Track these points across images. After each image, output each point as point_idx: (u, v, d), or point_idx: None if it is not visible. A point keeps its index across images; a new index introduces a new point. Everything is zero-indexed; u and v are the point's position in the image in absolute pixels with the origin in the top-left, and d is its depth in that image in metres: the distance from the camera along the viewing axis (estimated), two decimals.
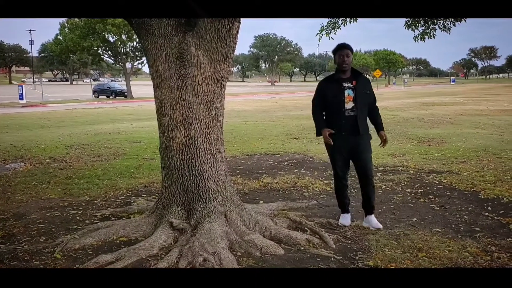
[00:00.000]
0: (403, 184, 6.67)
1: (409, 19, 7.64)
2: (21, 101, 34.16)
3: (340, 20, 7.92)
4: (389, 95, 42.56)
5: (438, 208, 5.49)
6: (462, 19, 7.36)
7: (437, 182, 6.76)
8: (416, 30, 7.69)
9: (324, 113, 4.79)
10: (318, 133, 4.74)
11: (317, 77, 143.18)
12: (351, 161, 4.86)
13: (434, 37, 7.64)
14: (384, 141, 4.82)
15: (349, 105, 4.58)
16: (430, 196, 6.01)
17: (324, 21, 8.54)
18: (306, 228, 4.66)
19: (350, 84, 4.61)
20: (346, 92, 4.59)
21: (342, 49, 4.61)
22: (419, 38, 7.78)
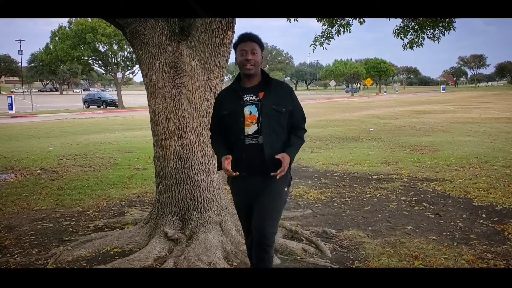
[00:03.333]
0: (397, 192, 6.68)
1: (398, 27, 7.70)
2: (10, 112, 33.85)
3: (333, 30, 7.95)
4: (380, 104, 42.83)
5: (433, 216, 5.49)
6: (452, 28, 7.43)
7: (431, 190, 6.77)
8: (405, 38, 7.75)
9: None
10: (219, 167, 3.11)
11: (308, 86, 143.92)
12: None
13: (422, 46, 7.70)
14: (281, 170, 2.91)
15: (250, 128, 2.98)
16: (424, 203, 6.02)
17: (318, 30, 8.58)
18: (302, 237, 4.63)
19: (254, 97, 3.00)
20: (246, 109, 2.99)
21: (245, 41, 3.01)
22: (407, 46, 7.84)
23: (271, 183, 3.02)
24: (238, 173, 2.96)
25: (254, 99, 3.00)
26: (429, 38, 7.58)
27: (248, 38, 3.02)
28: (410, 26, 7.60)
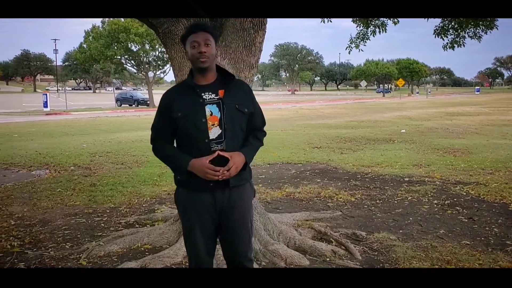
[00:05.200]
0: (429, 195, 6.54)
1: (437, 27, 7.52)
2: (45, 109, 34.82)
3: (369, 31, 7.83)
4: (412, 105, 42.10)
5: (466, 220, 5.36)
6: (494, 27, 7.22)
7: (465, 194, 6.61)
8: (445, 39, 7.56)
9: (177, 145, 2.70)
10: (182, 172, 2.58)
11: (338, 86, 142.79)
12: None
13: (464, 46, 7.50)
14: (223, 169, 2.46)
15: (213, 132, 2.53)
16: (457, 207, 5.88)
17: (348, 31, 8.50)
18: (331, 239, 4.59)
19: (213, 96, 2.56)
20: (207, 109, 2.54)
21: (196, 31, 2.56)
22: (448, 46, 7.65)
23: (234, 198, 2.58)
24: (227, 171, 2.46)
25: (214, 98, 2.54)
26: (470, 37, 7.38)
27: (201, 28, 2.56)
28: (450, 26, 7.42)
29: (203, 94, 2.55)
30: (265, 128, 2.81)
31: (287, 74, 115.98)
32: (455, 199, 6.28)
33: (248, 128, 2.66)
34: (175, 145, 2.68)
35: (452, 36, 7.49)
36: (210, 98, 2.55)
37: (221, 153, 2.48)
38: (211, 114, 2.53)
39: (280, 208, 6.00)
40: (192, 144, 2.54)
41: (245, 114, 2.62)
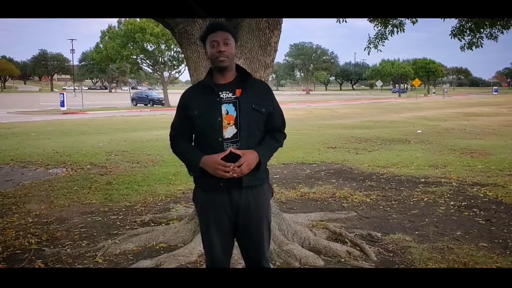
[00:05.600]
0: (446, 196, 6.46)
1: (454, 28, 7.43)
2: (62, 108, 35.24)
3: (387, 31, 7.75)
4: (428, 105, 41.68)
5: (484, 222, 5.28)
6: (510, 27, 7.11)
7: (482, 195, 6.52)
8: (462, 40, 7.46)
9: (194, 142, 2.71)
10: (194, 169, 2.59)
11: (353, 86, 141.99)
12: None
13: (481, 46, 7.39)
14: (234, 165, 2.43)
15: (228, 131, 2.52)
16: (474, 209, 5.80)
17: (363, 30, 8.42)
18: (346, 239, 4.57)
19: (230, 95, 2.55)
20: (223, 108, 2.53)
21: (215, 30, 2.55)
22: (465, 47, 7.55)
23: (249, 199, 2.56)
24: (237, 167, 2.42)
25: (231, 97, 2.54)
26: (487, 37, 7.28)
27: (220, 27, 2.56)
28: (467, 26, 7.32)
29: (220, 93, 2.53)
30: None
31: (302, 74, 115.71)
32: (472, 201, 6.20)
33: (266, 128, 2.64)
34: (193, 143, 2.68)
35: (469, 37, 7.39)
36: (227, 97, 2.53)
37: (233, 150, 2.45)
38: (227, 113, 2.52)
39: (295, 208, 5.98)
40: (207, 142, 2.54)
41: (262, 114, 2.59)
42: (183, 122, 2.64)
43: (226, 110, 2.52)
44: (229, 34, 2.55)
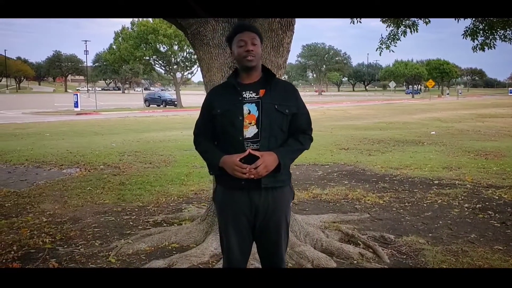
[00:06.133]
0: (460, 198, 6.39)
1: (467, 28, 7.36)
2: (76, 109, 35.56)
3: (400, 31, 7.70)
4: (442, 106, 41.30)
5: (499, 225, 5.21)
6: None
7: (497, 197, 6.43)
8: (475, 40, 7.38)
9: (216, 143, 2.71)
10: (214, 168, 2.61)
11: (366, 87, 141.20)
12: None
13: (494, 48, 7.31)
14: (250, 167, 2.42)
15: (249, 131, 2.51)
16: (489, 211, 5.73)
17: (376, 31, 8.38)
18: (359, 241, 4.54)
19: (253, 95, 2.55)
20: (245, 107, 2.53)
21: (242, 31, 2.59)
22: (478, 48, 7.47)
23: (268, 199, 2.54)
24: (253, 169, 2.41)
25: (253, 97, 2.53)
26: (500, 39, 7.20)
27: (247, 28, 2.60)
28: (480, 27, 7.24)
29: (243, 92, 2.54)
30: None
31: (314, 75, 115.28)
32: (487, 203, 6.12)
33: (290, 129, 2.61)
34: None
35: (482, 38, 7.32)
36: (250, 97, 2.54)
37: (252, 151, 2.44)
38: (249, 113, 2.51)
39: (307, 209, 5.97)
40: (228, 141, 2.54)
41: (285, 115, 2.56)
42: (206, 121, 2.66)
43: (248, 109, 2.52)
44: (255, 34, 2.57)
